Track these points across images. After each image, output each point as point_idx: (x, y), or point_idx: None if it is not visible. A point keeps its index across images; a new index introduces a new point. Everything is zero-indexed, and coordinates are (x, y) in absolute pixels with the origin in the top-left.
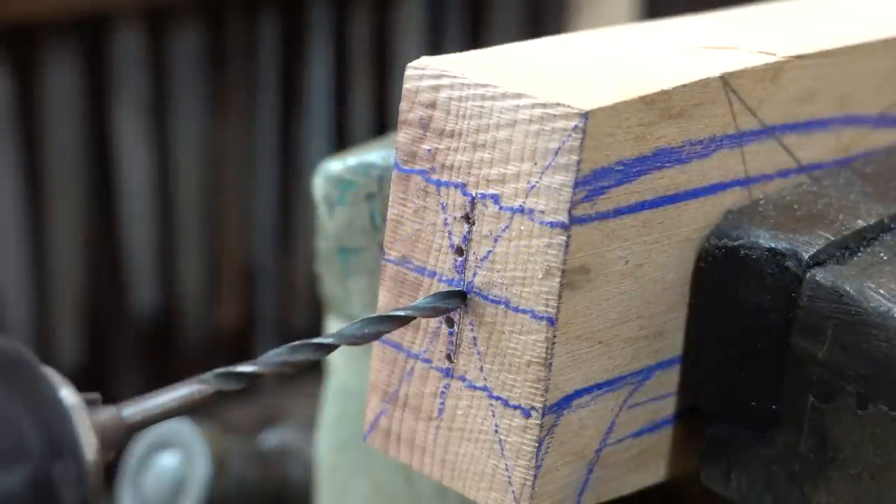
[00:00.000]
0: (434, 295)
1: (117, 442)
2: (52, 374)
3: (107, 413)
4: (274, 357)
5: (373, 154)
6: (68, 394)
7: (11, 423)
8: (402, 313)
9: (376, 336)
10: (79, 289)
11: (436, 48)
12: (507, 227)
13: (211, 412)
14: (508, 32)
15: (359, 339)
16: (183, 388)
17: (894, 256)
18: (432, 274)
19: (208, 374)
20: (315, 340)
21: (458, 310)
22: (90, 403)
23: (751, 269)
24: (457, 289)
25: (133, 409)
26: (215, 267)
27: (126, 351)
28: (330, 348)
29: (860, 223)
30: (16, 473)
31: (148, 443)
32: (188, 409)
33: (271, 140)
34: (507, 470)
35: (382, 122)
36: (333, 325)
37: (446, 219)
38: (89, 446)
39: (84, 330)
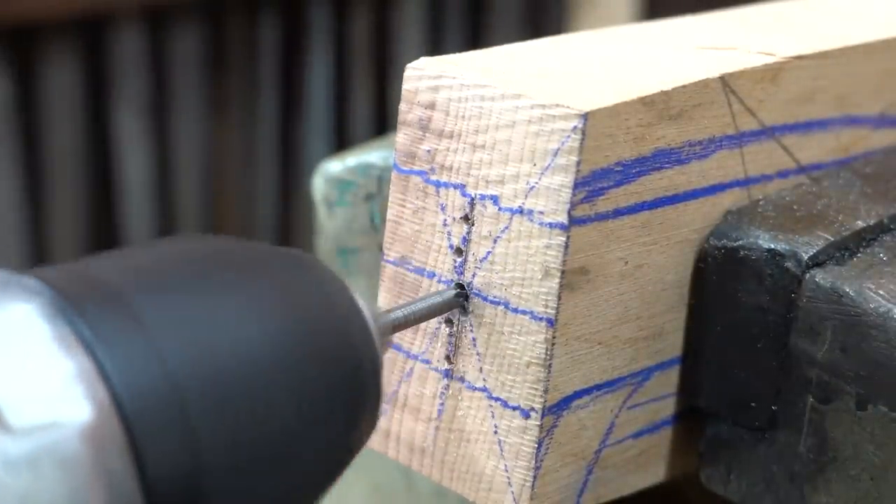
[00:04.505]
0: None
1: (386, 341)
2: (342, 279)
3: (380, 317)
4: None
5: (372, 154)
6: (359, 298)
7: (322, 329)
8: None
9: None
10: None
11: (436, 48)
12: (506, 227)
13: None
14: (508, 32)
15: None
16: (430, 298)
17: (894, 257)
18: (431, 275)
19: (448, 288)
20: None
21: (458, 311)
22: (371, 309)
23: (750, 269)
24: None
25: (397, 315)
26: None
27: None
28: None
29: (860, 224)
30: (341, 367)
31: None
32: (434, 315)
33: (271, 140)
34: (506, 471)
35: (382, 122)
36: None
37: (445, 219)
38: (378, 348)
39: None
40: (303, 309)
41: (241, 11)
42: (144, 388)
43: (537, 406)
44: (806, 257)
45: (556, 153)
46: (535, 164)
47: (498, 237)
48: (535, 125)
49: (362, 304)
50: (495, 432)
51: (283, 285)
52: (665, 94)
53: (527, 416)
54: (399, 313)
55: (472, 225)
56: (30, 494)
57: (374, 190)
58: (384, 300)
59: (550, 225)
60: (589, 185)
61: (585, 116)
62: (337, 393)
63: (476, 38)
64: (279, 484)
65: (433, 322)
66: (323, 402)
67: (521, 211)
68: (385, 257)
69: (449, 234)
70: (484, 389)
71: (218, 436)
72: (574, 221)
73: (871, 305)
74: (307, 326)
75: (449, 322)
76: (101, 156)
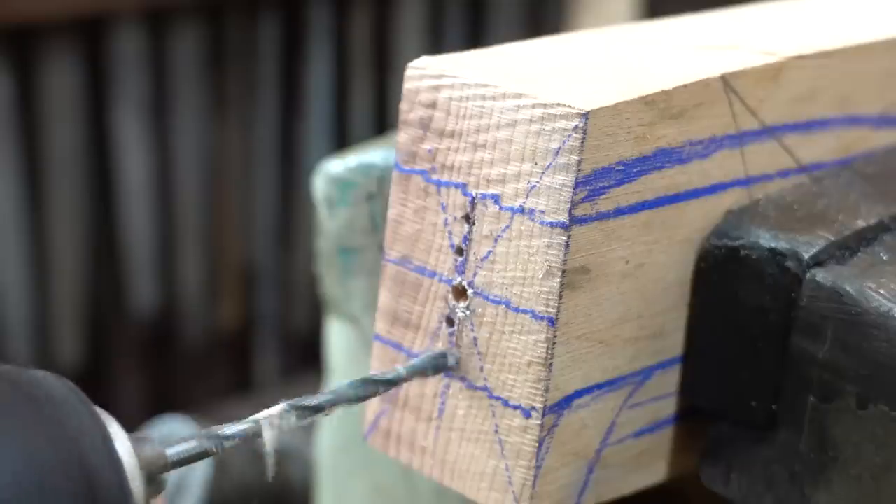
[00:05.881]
0: (427, 356)
1: (158, 482)
2: (102, 414)
3: (152, 452)
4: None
5: (373, 154)
6: (119, 436)
7: (56, 469)
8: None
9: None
10: (79, 289)
11: (436, 48)
12: (507, 227)
13: (211, 412)
14: (508, 32)
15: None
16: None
17: (894, 256)
18: (432, 274)
19: (275, 409)
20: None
21: (459, 310)
22: (137, 443)
23: (751, 269)
24: (450, 351)
25: (178, 449)
26: (215, 267)
27: (126, 351)
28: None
29: (860, 223)
30: None
31: None
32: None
33: (271, 140)
34: (507, 470)
35: (382, 122)
36: (334, 326)
37: (446, 219)
38: (138, 494)
39: (84, 330)
40: (27, 456)
41: (241, 11)
42: None
43: (538, 405)
44: (807, 257)
45: (557, 152)
46: (536, 164)
47: (499, 236)
48: (536, 124)
49: (122, 447)
50: (496, 431)
51: (6, 427)
52: (666, 94)
53: (528, 415)
54: (181, 448)
55: (473, 224)
56: None
57: (375, 189)
58: (385, 299)
59: (551, 224)
60: (590, 184)
61: (587, 115)
62: None
63: (476, 38)
64: None
65: (434, 321)
66: None
67: (522, 210)
68: (386, 257)
69: (450, 233)
70: (485, 389)
71: None
72: (575, 221)
73: (872, 305)
74: (31, 478)
75: (450, 321)
76: (101, 156)
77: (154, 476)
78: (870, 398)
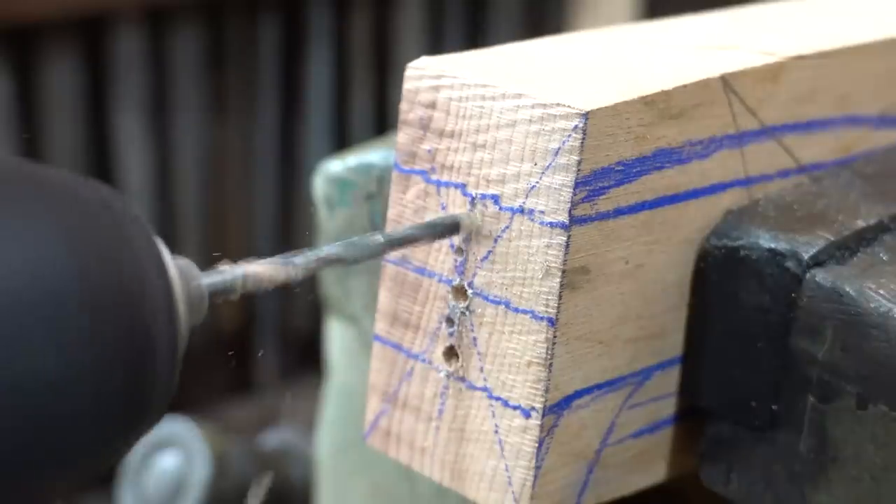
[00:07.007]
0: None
1: (197, 308)
2: (153, 234)
3: (192, 275)
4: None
5: (373, 154)
6: (168, 256)
7: (111, 267)
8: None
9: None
10: None
11: (436, 48)
12: (507, 227)
13: (211, 412)
14: (508, 32)
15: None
16: (265, 264)
17: (894, 257)
18: (432, 274)
19: (293, 256)
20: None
21: (459, 311)
22: (181, 267)
23: (751, 269)
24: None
25: (213, 280)
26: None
27: None
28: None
29: (860, 223)
30: (120, 319)
31: (148, 443)
32: (266, 286)
33: (271, 140)
34: (507, 470)
35: (382, 122)
36: (334, 326)
37: None
38: (182, 312)
39: None
40: (85, 253)
41: (241, 11)
42: None
43: (538, 405)
44: (806, 257)
45: (556, 152)
46: (535, 164)
47: (499, 237)
48: (535, 124)
49: (170, 262)
50: (496, 432)
51: (64, 216)
52: (666, 94)
53: (527, 415)
54: (228, 276)
55: None
56: None
57: (375, 190)
58: (385, 299)
59: (551, 224)
60: (590, 184)
61: (586, 116)
62: (111, 369)
63: (476, 38)
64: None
65: (434, 321)
66: (89, 377)
67: (521, 210)
68: (386, 256)
69: None
70: (485, 389)
71: None
72: (575, 221)
73: (872, 305)
74: (91, 274)
75: (450, 321)
76: (101, 156)
77: (192, 298)
78: (870, 398)
